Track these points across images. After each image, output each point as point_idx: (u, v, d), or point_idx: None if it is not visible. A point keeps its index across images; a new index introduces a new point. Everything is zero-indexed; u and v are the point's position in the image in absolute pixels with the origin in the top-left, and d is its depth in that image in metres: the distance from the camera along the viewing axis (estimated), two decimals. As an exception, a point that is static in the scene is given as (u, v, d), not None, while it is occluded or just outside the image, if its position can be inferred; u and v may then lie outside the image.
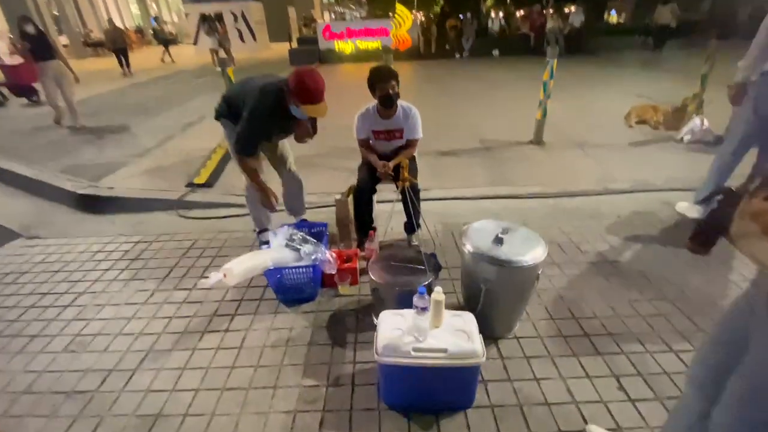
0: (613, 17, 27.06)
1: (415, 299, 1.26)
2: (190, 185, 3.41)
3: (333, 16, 32.79)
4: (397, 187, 1.99)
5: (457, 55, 11.46)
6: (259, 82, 2.00)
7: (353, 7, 38.61)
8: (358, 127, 2.36)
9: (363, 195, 2.34)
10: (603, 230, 2.62)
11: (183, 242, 2.66)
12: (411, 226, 2.44)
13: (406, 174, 1.93)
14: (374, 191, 2.37)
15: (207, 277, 1.71)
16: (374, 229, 2.37)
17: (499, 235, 1.60)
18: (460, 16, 11.77)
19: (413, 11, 12.62)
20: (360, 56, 11.88)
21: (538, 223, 2.70)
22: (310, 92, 1.88)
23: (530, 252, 1.53)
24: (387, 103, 2.22)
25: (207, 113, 5.84)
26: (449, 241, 2.55)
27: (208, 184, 3.41)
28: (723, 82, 2.67)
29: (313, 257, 1.91)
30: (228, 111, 2.13)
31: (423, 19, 12.50)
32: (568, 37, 10.77)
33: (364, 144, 2.42)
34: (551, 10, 11.35)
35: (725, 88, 2.50)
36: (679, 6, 10.13)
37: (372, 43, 11.82)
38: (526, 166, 3.67)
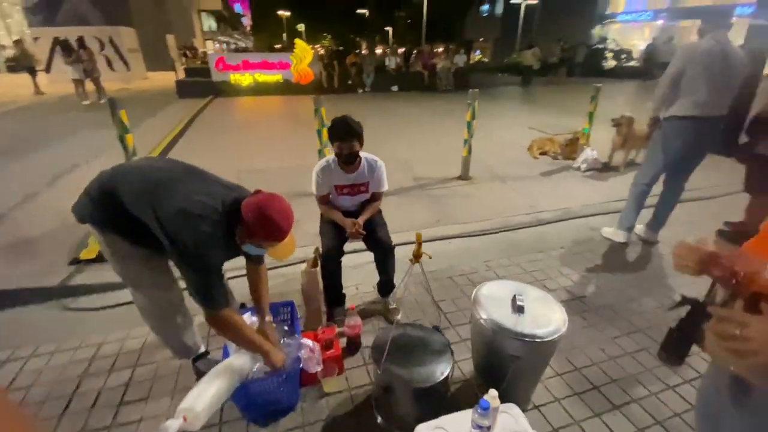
0: (478, 57, 31.67)
1: (477, 417, 1.02)
2: (76, 262, 2.60)
3: (217, 46, 31.27)
4: (412, 262, 1.70)
5: (360, 90, 11.79)
6: (179, 201, 1.27)
7: (238, 37, 37.60)
8: (318, 182, 2.07)
9: (331, 261, 2.02)
10: (557, 263, 2.74)
11: (80, 353, 1.93)
12: (387, 287, 2.19)
13: (420, 250, 1.68)
14: (342, 254, 2.07)
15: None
16: (343, 298, 2.06)
17: (518, 303, 1.47)
18: (357, 51, 12.24)
19: (314, 46, 12.66)
20: (260, 89, 11.37)
21: (498, 262, 2.73)
22: (279, 230, 1.31)
23: (553, 319, 1.43)
24: (349, 161, 2.00)
25: (80, 161, 4.78)
26: (424, 295, 2.36)
27: (102, 258, 2.62)
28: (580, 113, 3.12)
29: (294, 355, 1.52)
30: (105, 217, 1.40)
31: (323, 54, 12.59)
32: (455, 75, 12.03)
33: (324, 201, 2.13)
34: (440, 50, 12.58)
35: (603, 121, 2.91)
36: (540, 50, 12.22)
37: (271, 77, 11.42)
38: (462, 203, 3.76)
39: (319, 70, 11.61)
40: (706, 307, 0.62)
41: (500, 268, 2.67)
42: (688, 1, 22.60)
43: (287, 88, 11.37)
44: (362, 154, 2.06)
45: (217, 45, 31.23)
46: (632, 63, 17.83)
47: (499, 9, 34.39)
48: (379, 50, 20.10)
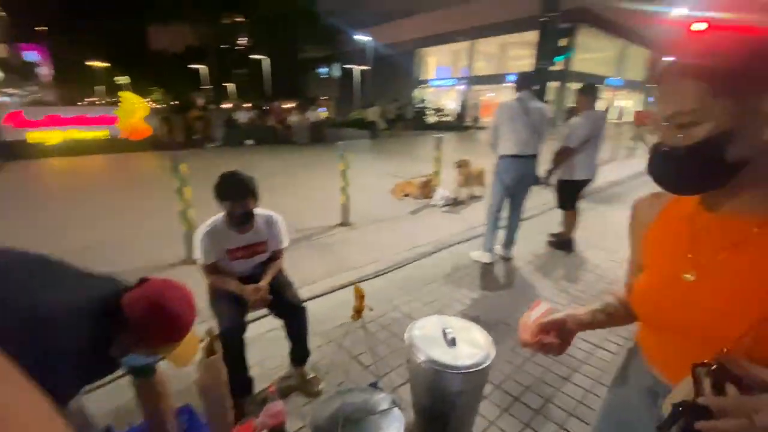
0: (323, 113, 34.04)
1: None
2: None
3: (2, 99, 24.65)
4: (354, 318, 1.52)
5: (209, 145, 10.98)
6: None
7: (31, 89, 30.62)
8: (206, 249, 1.76)
9: (235, 341, 1.70)
10: (448, 290, 2.98)
11: None
12: (302, 355, 1.95)
13: (362, 304, 1.53)
14: (245, 329, 1.78)
15: None
16: (251, 383, 1.74)
17: (449, 336, 1.51)
18: (203, 106, 11.52)
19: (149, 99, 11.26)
20: (77, 148, 9.33)
21: (400, 300, 2.80)
22: (182, 325, 1.03)
23: (483, 344, 1.52)
24: (244, 221, 1.79)
25: None
26: (336, 353, 2.20)
27: None
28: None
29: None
30: None
31: (162, 108, 11.32)
32: (309, 129, 12.52)
33: (214, 270, 1.81)
34: (290, 106, 12.96)
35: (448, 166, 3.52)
36: (380, 108, 13.89)
37: (93, 133, 9.56)
38: (350, 248, 3.79)
39: (157, 124, 10.36)
40: (697, 406, 0.49)
41: (404, 305, 2.74)
42: (480, 71, 29.80)
43: (115, 146, 9.67)
44: (255, 210, 1.87)
45: (2, 99, 24.62)
46: (447, 118, 22.17)
47: (337, 72, 38.27)
48: (226, 105, 19.34)
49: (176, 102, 14.09)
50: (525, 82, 3.21)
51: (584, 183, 3.53)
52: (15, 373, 0.26)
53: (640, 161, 9.73)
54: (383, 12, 30.54)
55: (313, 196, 5.76)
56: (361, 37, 24.34)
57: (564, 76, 19.81)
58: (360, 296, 1.55)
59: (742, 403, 0.47)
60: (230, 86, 28.06)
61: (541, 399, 1.87)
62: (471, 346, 1.50)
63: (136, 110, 9.74)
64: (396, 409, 1.37)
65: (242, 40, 26.62)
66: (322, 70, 36.29)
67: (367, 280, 3.15)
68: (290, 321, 1.88)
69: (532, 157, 3.22)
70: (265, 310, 1.91)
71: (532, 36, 23.89)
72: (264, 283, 1.82)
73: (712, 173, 0.55)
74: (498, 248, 3.59)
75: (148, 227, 4.22)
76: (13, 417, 0.23)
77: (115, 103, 10.38)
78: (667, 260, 0.66)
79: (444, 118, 21.99)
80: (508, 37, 27.32)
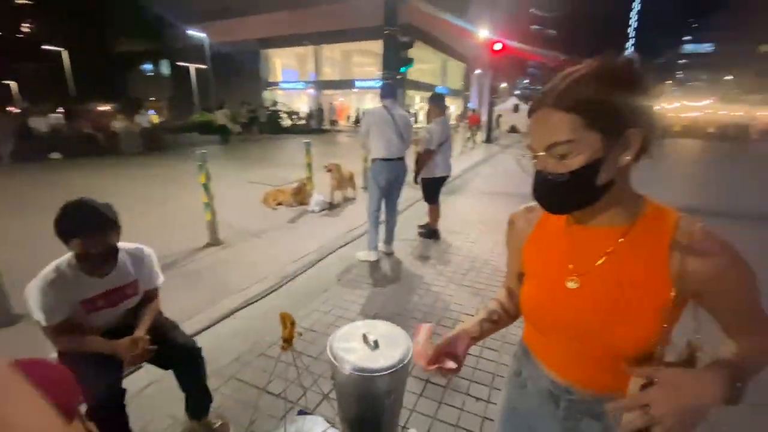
0: (153, 116, 29.30)
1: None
2: None
3: None
4: (284, 349, 1.32)
5: (-9, 163, 8.14)
6: None
7: None
8: (48, 306, 1.34)
9: (113, 412, 1.35)
10: (342, 294, 3.01)
11: None
12: (204, 403, 1.67)
13: (293, 332, 1.34)
14: (124, 396, 1.43)
15: None
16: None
17: (371, 339, 1.54)
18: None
19: None
20: None
21: (302, 312, 2.69)
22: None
23: (401, 338, 1.60)
24: (104, 261, 1.42)
25: None
26: (245, 390, 1.98)
27: None
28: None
29: None
30: None
31: None
32: (143, 136, 10.59)
33: (63, 330, 1.39)
34: (107, 108, 10.67)
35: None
36: (230, 111, 12.76)
37: None
38: (226, 270, 3.42)
39: None
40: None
41: (303, 319, 2.64)
42: (327, 75, 30.41)
43: None
44: (119, 245, 1.51)
45: None
46: (302, 122, 22.05)
47: (166, 69, 33.25)
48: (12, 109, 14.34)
49: None
50: (389, 91, 3.48)
51: (444, 179, 4.06)
52: (18, 382, 0.26)
53: (471, 156, 11.71)
54: (220, 7, 28.06)
55: (168, 215, 4.94)
56: (196, 33, 21.81)
57: (402, 84, 22.11)
58: (290, 323, 1.42)
59: (637, 398, 0.56)
60: (12, 85, 21.18)
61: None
62: (391, 344, 1.56)
63: None
64: (332, 429, 1.33)
65: (27, 27, 20.37)
66: (147, 67, 31.06)
67: (255, 301, 2.91)
68: (185, 368, 1.60)
69: (401, 160, 3.53)
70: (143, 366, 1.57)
71: (373, 45, 25.90)
72: (141, 332, 1.49)
73: (588, 195, 0.62)
74: (380, 245, 3.80)
75: None
76: (17, 426, 0.23)
77: None
78: (551, 270, 0.72)
79: (299, 122, 21.76)
80: (351, 45, 28.84)
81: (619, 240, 0.64)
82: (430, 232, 4.30)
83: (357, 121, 24.82)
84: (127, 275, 1.53)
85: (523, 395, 0.83)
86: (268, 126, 17.74)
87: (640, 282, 0.62)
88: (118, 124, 9.94)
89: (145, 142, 10.45)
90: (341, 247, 4.05)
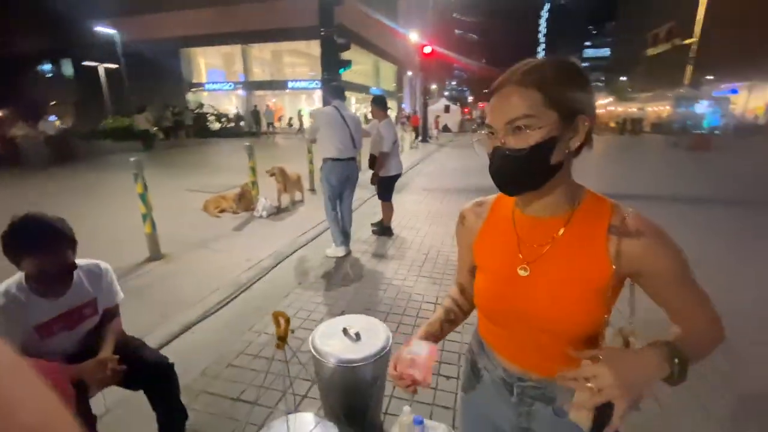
0: (56, 122, 25.83)
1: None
2: None
3: None
4: (279, 347, 1.28)
5: None
6: None
7: None
8: (5, 337, 1.20)
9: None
10: (310, 296, 3.00)
11: None
12: (177, 422, 1.60)
13: (288, 329, 1.32)
14: (95, 422, 1.33)
15: None
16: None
17: (351, 333, 1.60)
18: None
19: None
20: None
21: (264, 323, 2.63)
22: None
23: (379, 327, 1.68)
24: (58, 281, 1.32)
25: None
26: (217, 403, 1.92)
27: None
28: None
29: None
30: None
31: None
32: (49, 145, 9.31)
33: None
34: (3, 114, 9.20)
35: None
36: (152, 114, 11.72)
37: None
38: (173, 284, 3.21)
39: None
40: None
41: (270, 326, 2.59)
42: (257, 76, 29.19)
43: None
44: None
45: None
46: (231, 124, 20.91)
47: (69, 70, 29.41)
48: None
49: None
50: (337, 92, 3.53)
51: (397, 177, 4.21)
52: (23, 366, 0.26)
53: (411, 156, 12.11)
54: (132, 2, 25.46)
55: (97, 230, 4.42)
56: (104, 29, 19.61)
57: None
58: (285, 320, 1.43)
59: (582, 371, 0.58)
60: None
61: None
62: (371, 334, 1.64)
63: None
64: (331, 425, 1.38)
65: None
66: (46, 68, 27.20)
67: (212, 313, 2.79)
68: (158, 387, 1.52)
69: (352, 160, 3.60)
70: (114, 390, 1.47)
71: (305, 45, 25.37)
72: (107, 352, 1.40)
73: (541, 174, 0.65)
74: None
75: None
76: (21, 411, 0.23)
77: None
78: (503, 260, 0.74)
79: (228, 125, 20.61)
80: (282, 45, 28.03)
81: (562, 227, 0.69)
82: (383, 229, 4.43)
83: (290, 124, 24.19)
84: (84, 294, 1.42)
85: (479, 386, 0.85)
86: (195, 130, 16.58)
87: (584, 266, 0.66)
88: (19, 131, 8.60)
89: (51, 152, 9.18)
90: (296, 250, 4.00)
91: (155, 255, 3.66)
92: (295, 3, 23.96)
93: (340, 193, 3.67)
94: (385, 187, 4.24)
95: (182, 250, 3.89)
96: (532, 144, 0.62)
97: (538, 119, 0.61)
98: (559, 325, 0.68)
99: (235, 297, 3.03)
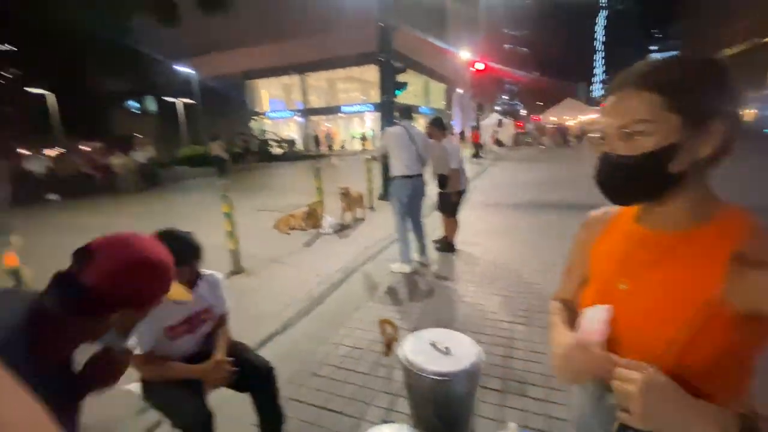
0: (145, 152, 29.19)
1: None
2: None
3: None
4: (387, 354, 1.37)
5: (-13, 208, 8.03)
6: None
7: None
8: (142, 335, 1.38)
9: (206, 435, 1.38)
10: (379, 311, 3.05)
11: None
12: (278, 423, 1.69)
13: (397, 335, 1.40)
14: (212, 417, 1.45)
15: None
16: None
17: (442, 347, 1.60)
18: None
19: None
20: None
21: (341, 332, 2.71)
22: (167, 273, 0.84)
23: (466, 341, 1.67)
24: (191, 289, 1.50)
25: None
26: (305, 411, 2.00)
27: None
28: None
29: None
30: None
31: None
32: (141, 172, 10.61)
33: (149, 359, 1.42)
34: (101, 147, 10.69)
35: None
36: (224, 141, 12.90)
37: None
38: (254, 297, 3.44)
39: None
40: None
41: (346, 338, 2.67)
42: (313, 103, 31.04)
43: None
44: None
45: None
46: (295, 149, 22.32)
47: (152, 106, 33.46)
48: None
49: None
50: (405, 112, 3.66)
51: (463, 192, 4.22)
52: (10, 383, 0.26)
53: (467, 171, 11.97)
54: (205, 43, 28.70)
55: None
56: (182, 68, 22.18)
57: (391, 106, 22.71)
58: (392, 327, 1.48)
59: (625, 370, 0.56)
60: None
61: (498, 380, 2.15)
62: (461, 349, 1.63)
63: None
64: None
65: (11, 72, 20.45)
66: (133, 104, 31.19)
67: (291, 325, 2.94)
68: (260, 388, 1.63)
69: (420, 176, 3.68)
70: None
71: (357, 72, 26.60)
72: (221, 355, 1.54)
73: (654, 183, 0.59)
74: (415, 256, 3.89)
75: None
76: (8, 426, 0.23)
77: None
78: (607, 271, 0.70)
79: (292, 149, 22.03)
80: (336, 73, 29.65)
81: (678, 242, 0.62)
82: (446, 245, 4.40)
83: (343, 147, 25.20)
84: (204, 301, 1.59)
85: (579, 401, 0.78)
86: (259, 155, 17.95)
87: (689, 289, 0.58)
88: (116, 161, 9.94)
89: (141, 178, 10.47)
90: (362, 265, 4.11)
91: (237, 269, 3.96)
92: (348, 33, 25.39)
93: (410, 208, 3.75)
94: (450, 203, 4.24)
95: (259, 265, 4.17)
96: (646, 151, 0.57)
97: (654, 124, 0.56)
98: (648, 352, 0.59)
99: (311, 310, 3.17)
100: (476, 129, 16.56)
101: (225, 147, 12.80)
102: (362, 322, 2.88)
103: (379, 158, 3.82)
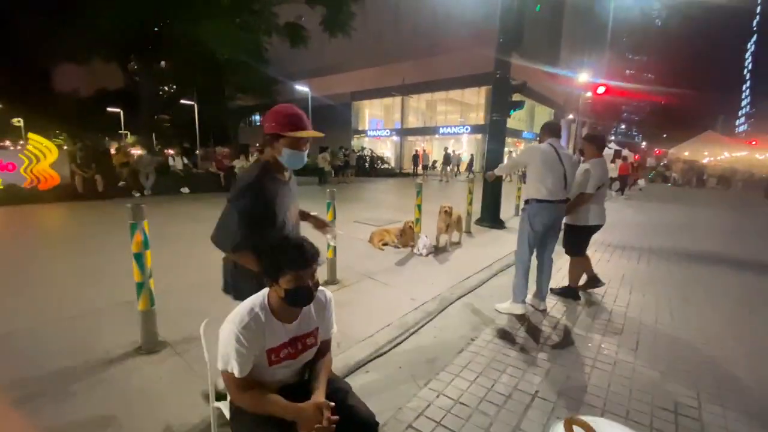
0: (255, 159, 32.84)
1: None
2: None
3: None
4: None
5: (137, 194, 9.59)
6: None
7: None
8: (242, 354, 1.16)
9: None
10: (493, 355, 2.56)
11: None
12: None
13: None
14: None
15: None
16: None
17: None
18: (133, 151, 10.23)
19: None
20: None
21: (444, 377, 2.28)
22: (296, 114, 1.57)
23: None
24: (304, 300, 1.25)
25: None
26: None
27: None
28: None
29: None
30: None
31: (75, 152, 9.70)
32: (254, 175, 11.71)
33: (248, 385, 1.19)
34: (225, 151, 12.07)
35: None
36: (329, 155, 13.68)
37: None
38: (348, 312, 3.21)
39: (72, 171, 8.81)
40: None
41: (449, 387, 2.23)
42: (410, 123, 31.76)
43: (10, 198, 7.88)
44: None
45: None
46: (386, 166, 22.86)
47: (271, 119, 37.89)
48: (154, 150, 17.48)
49: (95, 147, 12.38)
50: (553, 129, 3.16)
51: (597, 228, 3.49)
52: None
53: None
54: (320, 66, 31.69)
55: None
56: (299, 87, 24.66)
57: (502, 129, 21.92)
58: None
59: None
60: (154, 132, 25.95)
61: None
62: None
63: (45, 155, 8.19)
64: None
65: (167, 86, 25.24)
66: (257, 118, 35.65)
67: (384, 353, 2.61)
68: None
69: (563, 203, 3.11)
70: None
71: (458, 94, 26.53)
72: (322, 395, 1.25)
73: None
74: (528, 298, 3.32)
75: (82, 304, 3.19)
76: None
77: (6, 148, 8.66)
78: None
79: (383, 166, 22.62)
80: (436, 95, 29.96)
81: None
82: (568, 291, 3.67)
83: (433, 166, 24.93)
84: (310, 322, 1.34)
85: None
86: (357, 169, 18.74)
87: None
88: (238, 163, 11.16)
89: (254, 181, 11.59)
90: (461, 297, 3.64)
91: (332, 279, 3.83)
92: (452, 56, 25.48)
93: (542, 240, 3.20)
94: (580, 239, 3.54)
95: (352, 278, 3.99)
96: None
97: None
98: None
99: (404, 339, 2.81)
100: (625, 159, 14.54)
101: (329, 160, 13.54)
102: (469, 372, 2.41)
103: (506, 170, 3.39)
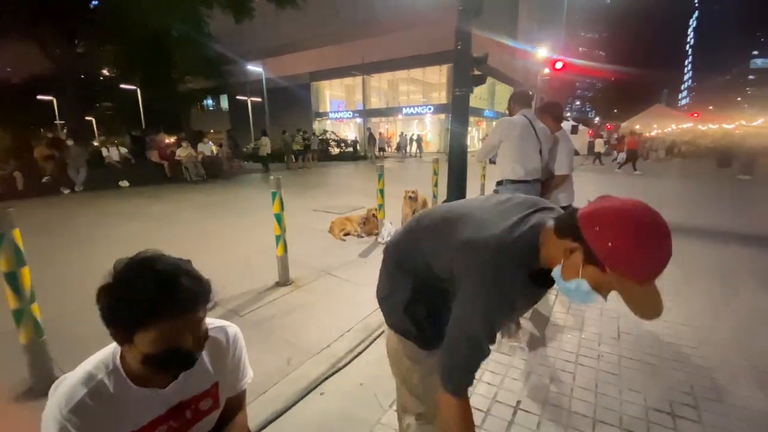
0: (213, 147, 31.08)
1: None
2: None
3: None
4: None
5: (66, 190, 8.48)
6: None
7: None
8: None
9: None
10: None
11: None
12: None
13: None
14: None
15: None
16: None
17: None
18: (53, 141, 8.99)
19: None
20: None
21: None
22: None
23: None
24: (178, 367, 0.79)
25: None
26: None
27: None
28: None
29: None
30: None
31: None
32: (204, 165, 10.79)
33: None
34: (172, 140, 11.06)
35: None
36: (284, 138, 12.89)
37: None
38: (303, 317, 2.80)
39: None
40: None
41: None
42: (373, 104, 30.97)
43: None
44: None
45: None
46: (349, 149, 22.15)
47: (225, 104, 35.62)
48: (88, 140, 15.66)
49: (13, 139, 10.87)
50: (524, 99, 2.79)
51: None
52: None
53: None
54: (275, 45, 29.87)
55: (231, 248, 4.50)
56: (252, 68, 23.11)
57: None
58: None
59: None
60: (91, 120, 23.47)
61: None
62: None
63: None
64: None
65: (105, 70, 22.74)
66: (209, 102, 33.39)
67: (343, 367, 2.23)
68: None
69: (538, 183, 2.78)
70: None
71: (420, 73, 26.03)
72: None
73: None
74: None
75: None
76: None
77: None
78: None
79: (346, 149, 21.90)
80: (397, 74, 29.26)
81: None
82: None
83: (398, 148, 24.60)
84: (203, 377, 0.90)
85: None
86: (319, 153, 17.95)
87: None
88: (183, 152, 10.17)
89: (206, 171, 10.66)
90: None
91: (284, 280, 3.37)
92: (412, 33, 24.81)
93: None
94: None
95: (309, 276, 3.55)
96: None
97: None
98: None
99: (367, 347, 2.44)
100: (633, 134, 14.68)
101: (269, 146, 12.81)
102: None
103: (484, 154, 2.97)
